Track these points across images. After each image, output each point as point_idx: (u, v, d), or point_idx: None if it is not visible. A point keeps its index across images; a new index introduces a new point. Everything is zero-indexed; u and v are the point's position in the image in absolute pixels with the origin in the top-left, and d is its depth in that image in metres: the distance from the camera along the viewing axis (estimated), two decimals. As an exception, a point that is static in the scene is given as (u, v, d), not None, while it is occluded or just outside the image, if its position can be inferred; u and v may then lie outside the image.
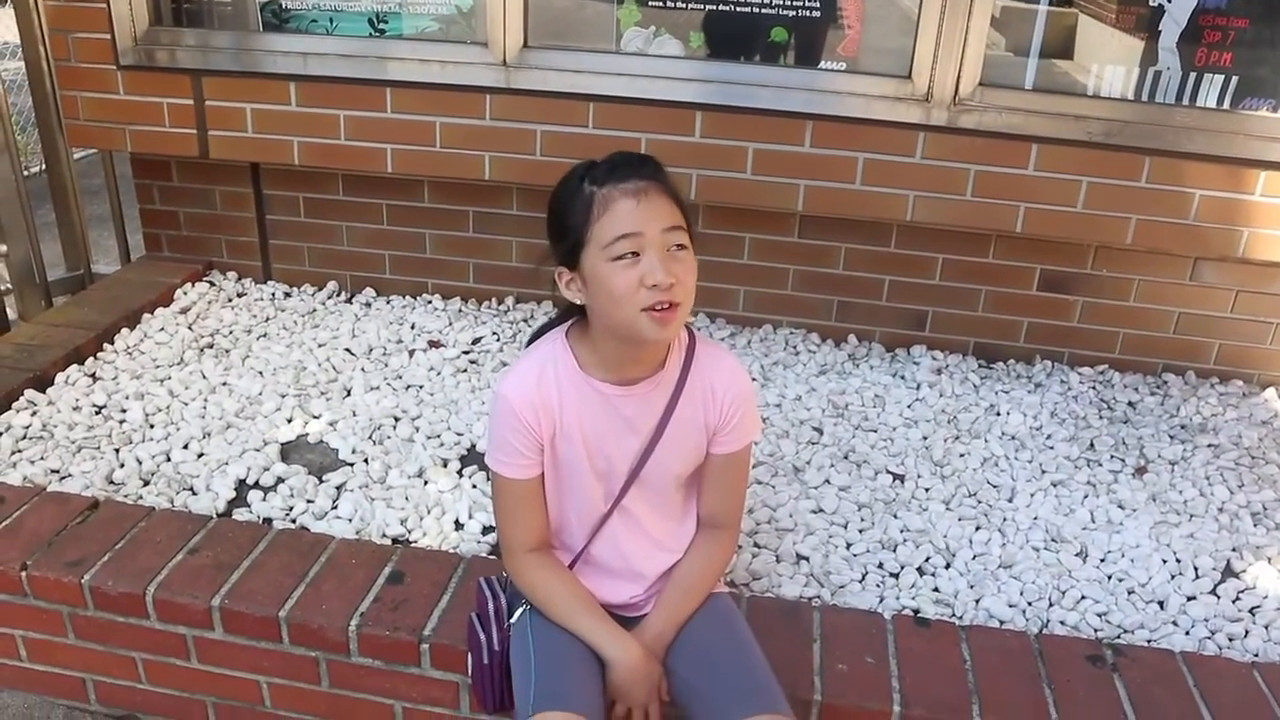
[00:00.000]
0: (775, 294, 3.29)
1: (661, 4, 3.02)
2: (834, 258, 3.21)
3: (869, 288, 3.24)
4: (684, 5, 3.01)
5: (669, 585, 1.76)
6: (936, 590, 2.21)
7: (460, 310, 3.38)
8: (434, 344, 3.14)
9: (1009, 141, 2.89)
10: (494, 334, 3.24)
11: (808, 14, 2.97)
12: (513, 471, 1.67)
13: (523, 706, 1.58)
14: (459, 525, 2.32)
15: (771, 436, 2.70)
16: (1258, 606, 2.27)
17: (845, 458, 2.65)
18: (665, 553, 1.77)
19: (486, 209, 3.33)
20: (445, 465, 2.54)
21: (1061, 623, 2.16)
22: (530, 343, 1.75)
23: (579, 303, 1.60)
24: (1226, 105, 2.93)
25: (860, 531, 2.37)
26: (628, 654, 1.63)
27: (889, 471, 2.61)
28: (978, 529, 2.43)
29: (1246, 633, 2.19)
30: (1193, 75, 2.92)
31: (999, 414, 2.93)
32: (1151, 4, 2.89)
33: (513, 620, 1.74)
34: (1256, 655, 2.13)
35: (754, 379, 2.97)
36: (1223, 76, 2.91)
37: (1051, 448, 2.79)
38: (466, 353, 3.12)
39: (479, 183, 3.18)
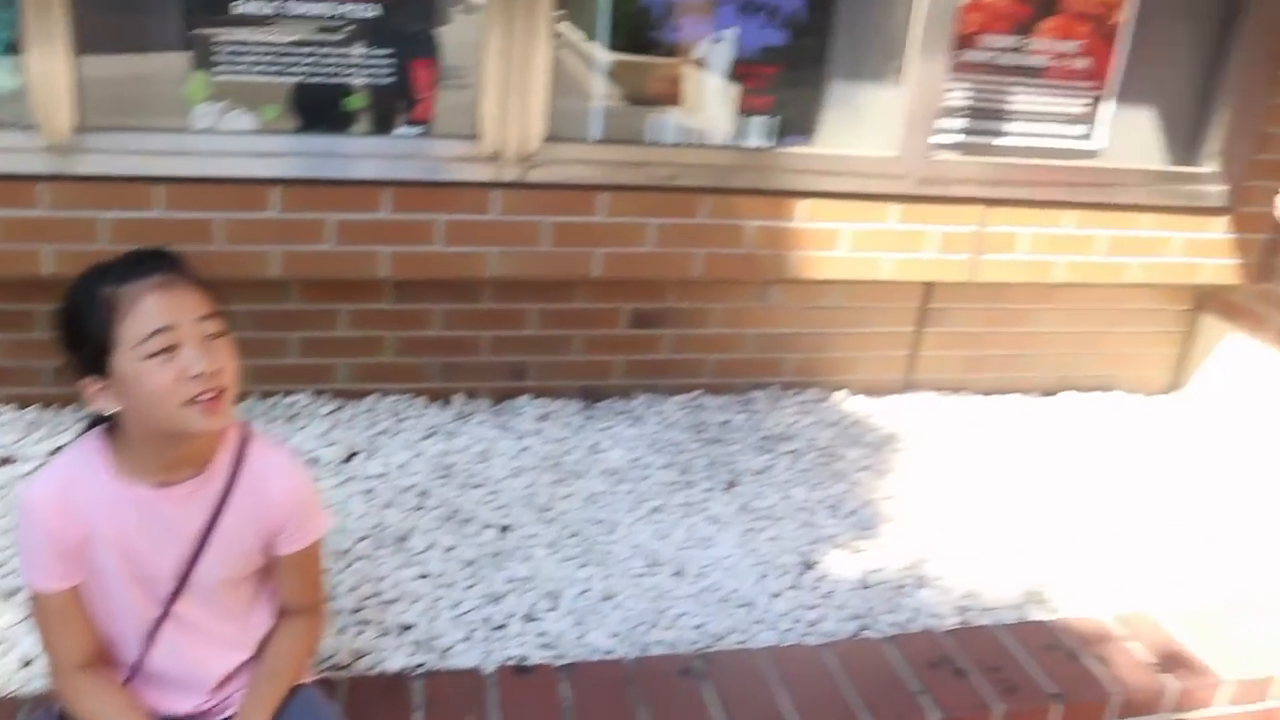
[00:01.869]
0: (377, 362, 3.27)
1: (231, 78, 2.93)
2: (431, 320, 3.24)
3: (469, 345, 3.29)
4: (255, 78, 2.94)
5: (255, 677, 1.69)
6: (542, 634, 2.27)
7: (33, 421, 3.10)
8: (2, 460, 2.87)
9: (578, 191, 3.05)
10: (76, 441, 3.00)
11: (380, 82, 2.99)
12: (46, 583, 1.56)
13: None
14: (27, 663, 2.12)
15: (376, 507, 2.67)
16: (832, 591, 2.50)
17: (451, 518, 2.67)
18: (235, 651, 1.70)
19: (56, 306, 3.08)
20: (11, 596, 2.31)
21: (659, 642, 2.28)
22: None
23: (112, 410, 1.51)
24: (770, 144, 3.24)
25: (467, 589, 2.39)
26: None
27: (495, 525, 2.65)
28: (582, 566, 2.51)
29: (824, 616, 2.41)
30: (739, 118, 3.21)
31: (601, 451, 3.06)
32: (696, 56, 3.15)
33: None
34: (834, 635, 2.35)
35: (358, 451, 2.94)
36: (765, 118, 3.22)
37: (650, 476, 2.95)
38: (44, 464, 2.87)
39: (40, 279, 2.95)
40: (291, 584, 1.74)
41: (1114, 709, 2.19)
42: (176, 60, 2.88)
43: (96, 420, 1.61)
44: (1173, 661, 2.29)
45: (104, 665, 1.64)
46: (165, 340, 1.44)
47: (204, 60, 2.87)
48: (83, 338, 1.48)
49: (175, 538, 1.59)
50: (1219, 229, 3.59)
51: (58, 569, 1.55)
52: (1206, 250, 3.59)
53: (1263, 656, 2.33)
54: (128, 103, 2.92)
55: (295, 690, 1.72)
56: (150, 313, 1.45)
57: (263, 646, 1.73)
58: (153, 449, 1.54)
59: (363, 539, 2.53)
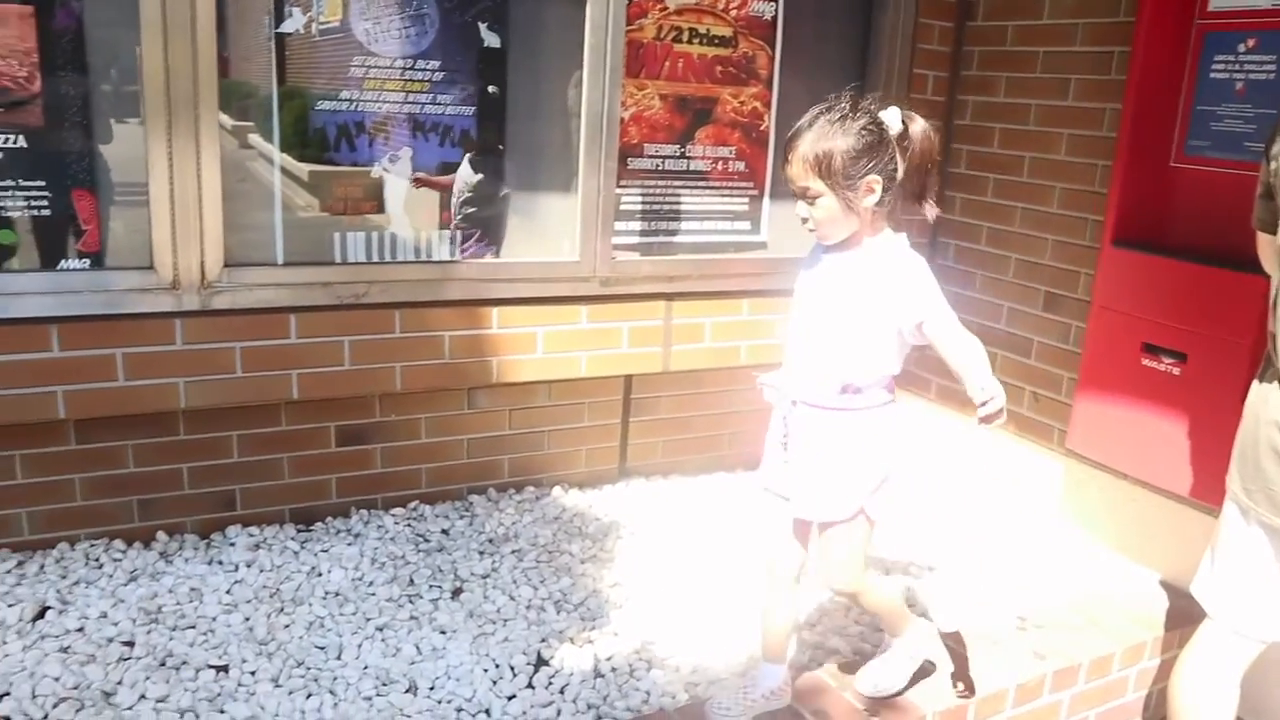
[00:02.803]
0: (64, 508, 3.02)
1: None
2: (122, 457, 3.05)
3: (167, 480, 3.12)
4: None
5: None
6: (273, 773, 2.16)
7: None
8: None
9: (267, 315, 2.99)
10: None
11: (37, 213, 2.82)
12: None
13: None
14: None
15: (75, 665, 2.46)
16: (566, 684, 2.54)
17: (162, 664, 2.50)
18: None
19: None
20: None
21: (398, 762, 2.23)
22: None
23: None
24: (457, 256, 3.32)
25: (185, 739, 2.25)
26: None
27: (211, 666, 2.51)
28: (309, 696, 2.42)
29: (559, 712, 2.44)
30: (423, 232, 3.28)
31: (320, 574, 2.97)
32: (373, 175, 3.20)
33: None
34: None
35: (49, 607, 2.70)
36: (449, 231, 3.30)
37: (374, 594, 2.89)
38: None
39: None
40: None
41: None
42: None
43: None
44: (879, 702, 2.48)
45: None
46: None
47: None
48: None
49: None
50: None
51: None
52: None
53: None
54: None
55: None
56: None
57: None
58: None
59: (61, 701, 2.32)
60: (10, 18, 2.68)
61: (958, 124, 3.96)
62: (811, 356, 2.19)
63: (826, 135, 2.03)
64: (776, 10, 3.67)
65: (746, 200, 3.80)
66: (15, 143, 2.74)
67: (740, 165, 3.75)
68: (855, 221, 2.08)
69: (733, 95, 3.67)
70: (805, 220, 2.11)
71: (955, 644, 2.74)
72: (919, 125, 2.09)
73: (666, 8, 3.47)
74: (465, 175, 3.31)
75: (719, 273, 3.70)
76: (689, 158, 3.65)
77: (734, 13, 3.59)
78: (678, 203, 3.67)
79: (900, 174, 2.07)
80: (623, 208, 3.53)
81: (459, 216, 3.32)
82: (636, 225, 3.60)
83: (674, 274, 3.60)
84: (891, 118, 2.07)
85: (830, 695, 2.50)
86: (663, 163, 3.60)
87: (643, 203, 3.60)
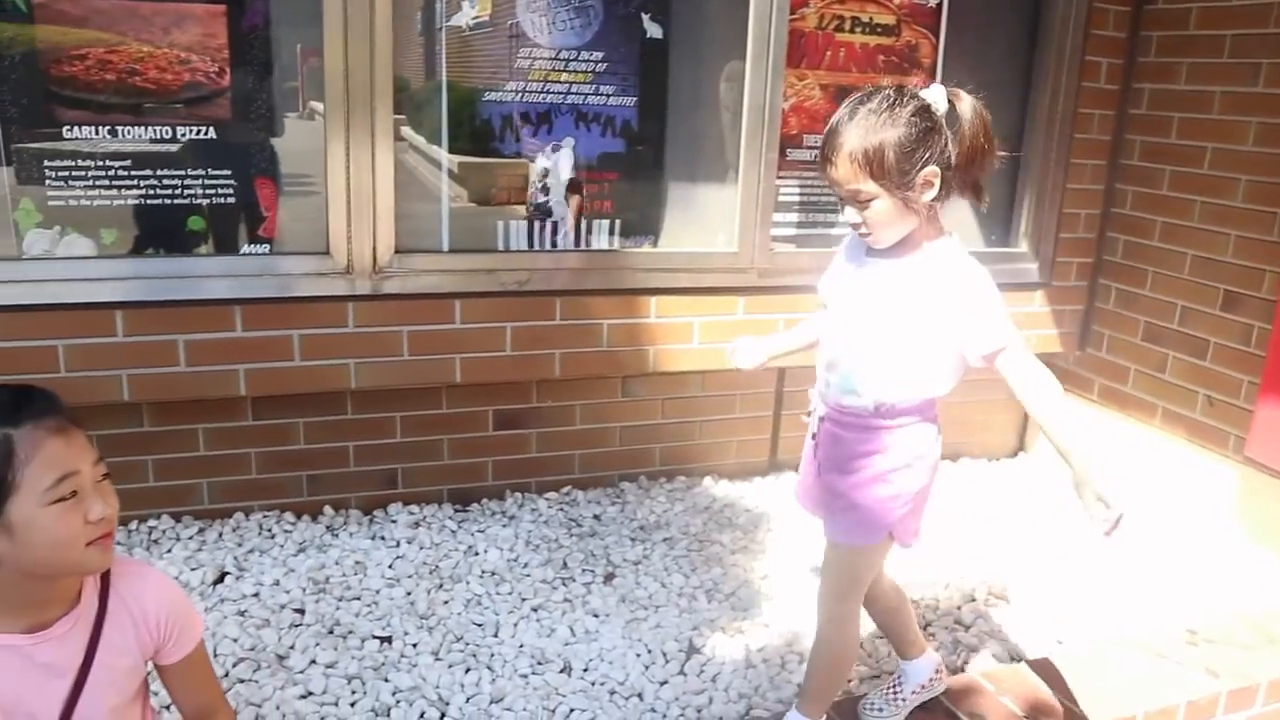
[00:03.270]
0: (241, 480, 3.19)
1: (64, 202, 2.86)
2: (294, 434, 3.20)
3: (334, 457, 3.25)
4: (89, 202, 2.88)
5: None
6: (434, 743, 2.24)
7: None
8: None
9: (434, 300, 3.09)
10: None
11: (222, 201, 2.97)
12: None
13: None
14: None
15: (251, 628, 2.59)
16: (718, 674, 2.55)
17: (331, 632, 2.61)
18: None
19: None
20: None
21: (553, 740, 2.28)
22: None
23: None
24: (617, 245, 3.36)
25: (353, 705, 2.34)
26: None
27: (375, 636, 2.60)
28: (468, 671, 2.49)
29: (711, 700, 2.44)
30: (583, 222, 3.33)
31: (478, 553, 3.05)
32: (536, 165, 3.26)
33: None
34: (723, 718, 2.39)
35: (228, 572, 2.85)
36: (607, 221, 3.34)
37: (529, 575, 2.95)
38: None
39: None
40: (190, 690, 1.72)
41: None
42: (1, 182, 2.79)
43: None
44: (1042, 711, 2.41)
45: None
46: (70, 486, 1.42)
47: (34, 182, 2.80)
48: None
49: (56, 676, 1.52)
50: (1039, 303, 3.88)
51: None
52: (1031, 323, 3.87)
53: (1124, 699, 2.47)
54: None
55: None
56: (55, 459, 1.41)
57: None
58: (24, 593, 1.48)
59: (240, 661, 2.45)
60: (204, 17, 2.83)
61: (1132, 113, 3.79)
62: (850, 369, 1.97)
63: (874, 128, 1.79)
64: (942, -3, 3.59)
65: (906, 193, 3.72)
66: (205, 134, 2.90)
67: (900, 156, 3.67)
68: (913, 220, 1.86)
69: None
70: (857, 226, 1.89)
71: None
72: (967, 104, 1.86)
73: (829, -4, 3.43)
74: (625, 164, 3.34)
75: (876, 266, 3.63)
76: (847, 148, 3.59)
77: (897, 1, 3.52)
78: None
79: (955, 161, 1.84)
80: (780, 199, 3.51)
81: (617, 206, 3.35)
82: (794, 217, 3.58)
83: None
84: (936, 97, 1.84)
85: (986, 698, 2.43)
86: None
87: (800, 194, 3.57)
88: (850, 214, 1.87)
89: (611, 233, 3.36)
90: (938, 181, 1.82)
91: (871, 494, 1.99)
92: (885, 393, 1.94)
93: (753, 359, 2.26)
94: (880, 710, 2.31)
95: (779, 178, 3.47)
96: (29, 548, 1.41)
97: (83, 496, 1.44)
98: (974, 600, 2.98)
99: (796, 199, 3.56)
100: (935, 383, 1.95)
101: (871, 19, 3.52)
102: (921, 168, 1.80)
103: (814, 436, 2.08)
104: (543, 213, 3.28)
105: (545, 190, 3.27)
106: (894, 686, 2.35)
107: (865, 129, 1.79)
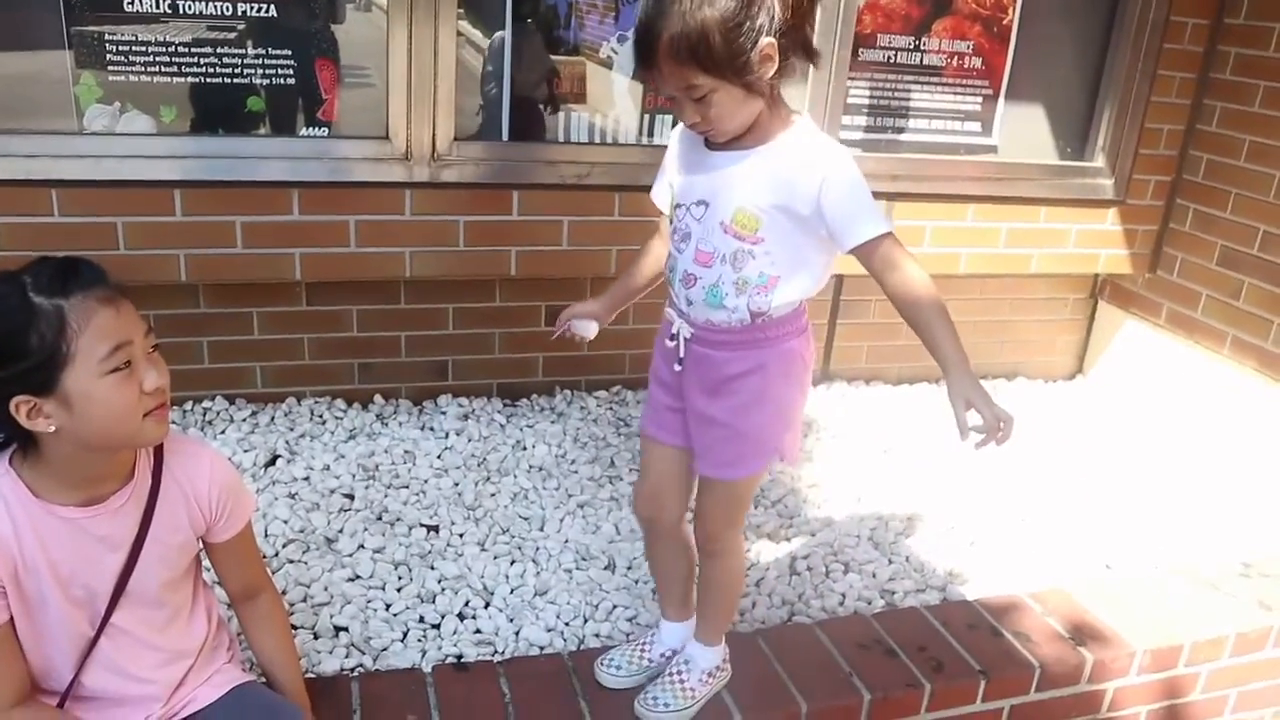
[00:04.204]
0: (294, 365, 3.21)
1: (124, 78, 2.83)
2: (347, 321, 3.20)
3: (387, 346, 3.25)
4: (150, 79, 2.85)
5: (273, 667, 1.79)
6: (478, 631, 2.26)
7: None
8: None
9: (492, 190, 3.04)
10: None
11: (282, 82, 2.92)
12: None
13: None
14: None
15: (301, 511, 2.62)
16: (761, 578, 2.55)
17: (379, 519, 2.64)
18: (179, 659, 1.66)
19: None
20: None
21: (596, 635, 2.29)
22: None
23: (49, 430, 1.41)
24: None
25: (399, 590, 2.37)
26: None
27: (423, 525, 2.63)
28: (513, 563, 2.51)
29: (754, 604, 2.44)
30: (646, 117, 3.24)
31: (525, 448, 3.06)
32: (601, 55, 3.17)
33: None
34: (765, 621, 2.39)
35: (279, 455, 2.88)
36: (669, 116, 3.24)
37: (576, 471, 2.96)
38: None
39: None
40: (237, 568, 1.76)
41: (1036, 682, 2.27)
42: (63, 60, 2.75)
43: None
44: (1087, 634, 2.38)
45: (37, 697, 1.58)
46: (124, 356, 1.42)
47: (94, 60, 2.77)
48: (20, 354, 1.37)
49: (110, 549, 1.54)
50: (1111, 220, 3.75)
51: None
52: (1100, 241, 3.74)
53: (1172, 626, 2.43)
54: (15, 104, 2.80)
55: (244, 689, 1.72)
56: (107, 328, 1.40)
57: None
58: (81, 466, 1.49)
59: (289, 543, 2.48)
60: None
61: (1228, 23, 3.58)
62: (713, 282, 1.74)
63: (688, 10, 1.53)
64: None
65: (980, 100, 3.58)
66: (266, 11, 2.83)
67: (977, 62, 3.52)
68: (759, 103, 1.63)
69: (978, -16, 3.44)
70: (695, 125, 1.66)
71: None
72: None
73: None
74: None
75: (945, 174, 3.52)
76: (923, 50, 3.45)
77: (985, -108, 3.34)
78: (907, 98, 3.49)
79: (785, 22, 1.57)
80: (849, 100, 3.39)
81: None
82: (861, 120, 3.46)
83: (897, 173, 3.44)
84: None
85: (1030, 616, 2.41)
86: (895, 55, 3.42)
87: (870, 96, 3.44)
88: (688, 112, 1.64)
89: (673, 127, 3.26)
90: (775, 54, 1.58)
91: (754, 418, 1.81)
92: (758, 302, 1.74)
93: (591, 326, 2.07)
94: (667, 705, 2.00)
95: (849, 78, 3.35)
96: (87, 419, 1.41)
97: (136, 366, 1.43)
98: (1023, 520, 2.93)
99: (865, 101, 3.44)
100: (810, 283, 1.78)
101: (954, -89, 3.34)
102: (755, 42, 1.55)
103: (680, 362, 1.84)
104: (606, 105, 3.19)
105: (609, 82, 3.18)
106: (679, 674, 2.04)
107: (678, 14, 1.54)
